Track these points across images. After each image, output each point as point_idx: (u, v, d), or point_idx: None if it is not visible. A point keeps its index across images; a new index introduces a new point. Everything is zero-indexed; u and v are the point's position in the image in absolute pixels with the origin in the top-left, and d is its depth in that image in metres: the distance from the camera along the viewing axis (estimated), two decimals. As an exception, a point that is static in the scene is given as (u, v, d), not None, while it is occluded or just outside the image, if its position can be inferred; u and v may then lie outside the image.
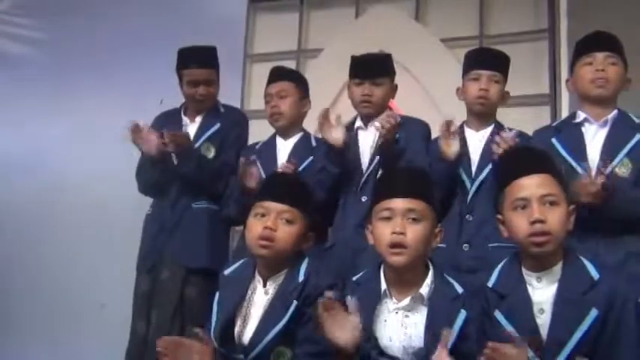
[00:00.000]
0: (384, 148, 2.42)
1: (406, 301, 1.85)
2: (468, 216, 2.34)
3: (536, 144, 2.31)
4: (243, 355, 1.94)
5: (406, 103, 2.91)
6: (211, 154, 2.74)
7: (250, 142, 2.85)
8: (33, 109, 4.04)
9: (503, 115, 2.57)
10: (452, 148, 2.30)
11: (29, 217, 3.86)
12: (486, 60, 2.48)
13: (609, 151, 2.21)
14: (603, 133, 2.27)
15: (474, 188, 2.36)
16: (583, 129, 2.30)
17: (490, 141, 2.34)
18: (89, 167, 3.79)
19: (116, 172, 3.28)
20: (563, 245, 1.79)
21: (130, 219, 2.95)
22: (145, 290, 2.67)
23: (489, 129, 2.45)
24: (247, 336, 1.95)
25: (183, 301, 2.60)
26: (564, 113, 3.04)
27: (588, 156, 2.23)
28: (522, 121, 2.72)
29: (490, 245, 2.24)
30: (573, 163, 2.22)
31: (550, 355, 1.69)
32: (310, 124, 2.73)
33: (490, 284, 1.83)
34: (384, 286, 1.89)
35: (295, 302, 1.93)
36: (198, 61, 2.75)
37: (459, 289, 1.86)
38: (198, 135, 2.77)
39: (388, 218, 1.85)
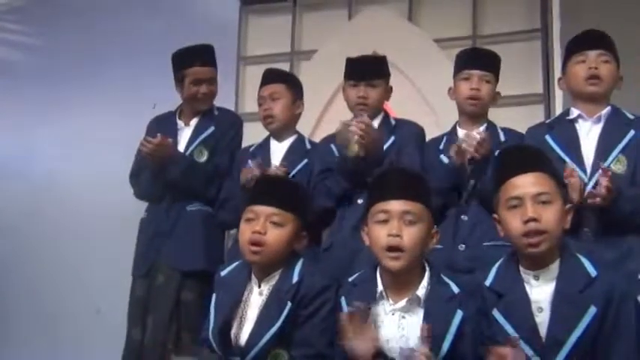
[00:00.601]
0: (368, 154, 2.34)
1: (402, 302, 1.85)
2: (463, 216, 2.34)
3: (530, 141, 2.31)
4: (240, 358, 1.94)
5: (399, 103, 2.90)
6: (204, 157, 2.73)
7: (244, 144, 2.84)
8: (26, 114, 4.03)
9: (497, 115, 2.57)
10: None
11: (23, 223, 3.84)
12: (477, 60, 2.48)
13: (604, 147, 2.21)
14: (597, 129, 2.26)
15: (468, 188, 2.35)
16: (577, 125, 2.29)
17: (462, 142, 2.30)
18: (83, 172, 3.77)
19: (110, 176, 3.26)
20: (560, 243, 1.78)
21: (124, 224, 2.93)
22: (140, 296, 2.66)
23: (481, 129, 2.43)
24: (244, 338, 1.95)
25: (179, 305, 2.59)
26: (558, 112, 3.03)
27: (582, 152, 2.22)
28: (516, 120, 2.71)
29: (485, 244, 2.24)
30: (567, 160, 2.20)
31: (549, 353, 1.69)
32: (304, 126, 2.72)
33: (487, 283, 1.83)
34: (380, 287, 1.88)
35: (289, 304, 1.92)
36: (202, 60, 2.76)
37: (456, 289, 1.85)
38: (192, 138, 2.76)
39: (384, 221, 1.84)
